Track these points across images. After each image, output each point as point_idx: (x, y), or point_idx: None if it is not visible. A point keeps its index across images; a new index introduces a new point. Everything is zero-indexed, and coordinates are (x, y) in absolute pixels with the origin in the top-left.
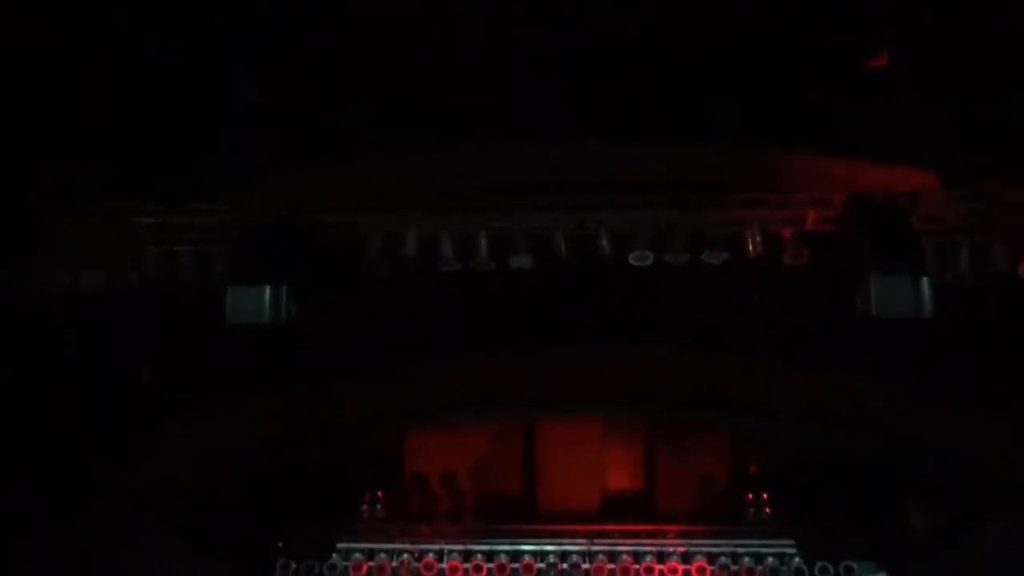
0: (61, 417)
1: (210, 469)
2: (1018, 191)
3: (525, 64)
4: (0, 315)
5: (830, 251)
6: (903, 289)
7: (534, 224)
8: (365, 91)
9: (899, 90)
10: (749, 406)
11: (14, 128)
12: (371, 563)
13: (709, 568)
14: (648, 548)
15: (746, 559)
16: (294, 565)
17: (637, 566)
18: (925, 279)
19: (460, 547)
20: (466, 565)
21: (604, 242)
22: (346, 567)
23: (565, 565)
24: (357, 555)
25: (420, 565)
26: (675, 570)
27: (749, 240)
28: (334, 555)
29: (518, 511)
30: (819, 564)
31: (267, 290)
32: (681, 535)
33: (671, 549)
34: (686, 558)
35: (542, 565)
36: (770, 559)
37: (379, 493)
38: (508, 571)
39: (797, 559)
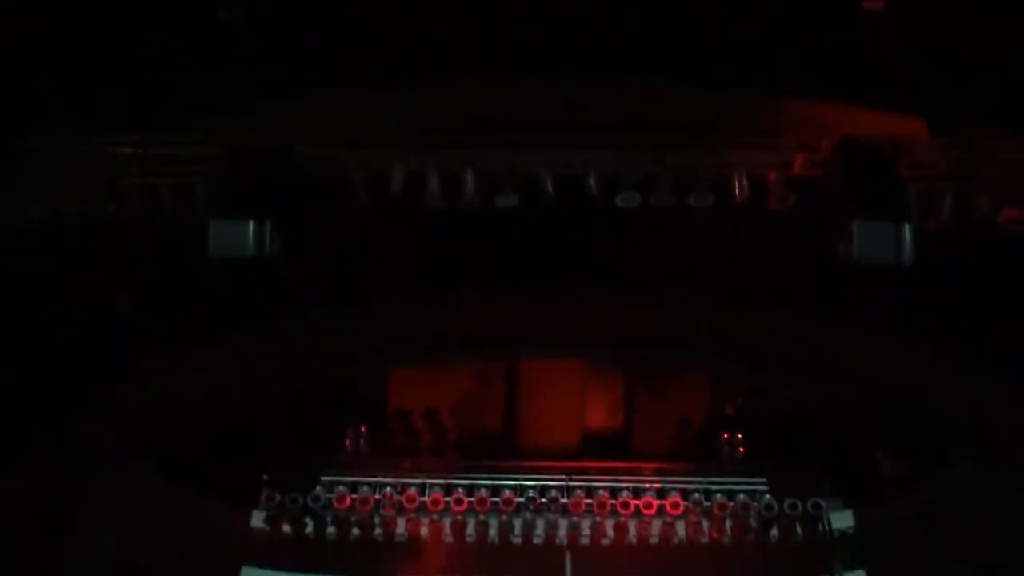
0: (42, 347)
1: (192, 403)
2: (1005, 142)
3: None
4: None
5: (816, 197)
6: (885, 235)
7: (521, 162)
8: (351, 21)
9: (892, 36)
10: (727, 349)
11: None
12: (354, 495)
13: (683, 503)
14: (624, 484)
15: (719, 495)
16: (279, 497)
17: (613, 501)
18: (907, 226)
19: (442, 481)
20: (447, 498)
21: (591, 182)
22: (330, 499)
23: (544, 499)
24: (341, 488)
25: (402, 498)
26: (650, 505)
27: (736, 183)
28: (318, 487)
29: (499, 447)
30: (788, 501)
31: (250, 224)
32: (657, 472)
33: (647, 485)
34: (661, 494)
35: (522, 499)
36: (742, 496)
37: (362, 428)
38: (488, 504)
39: (768, 496)
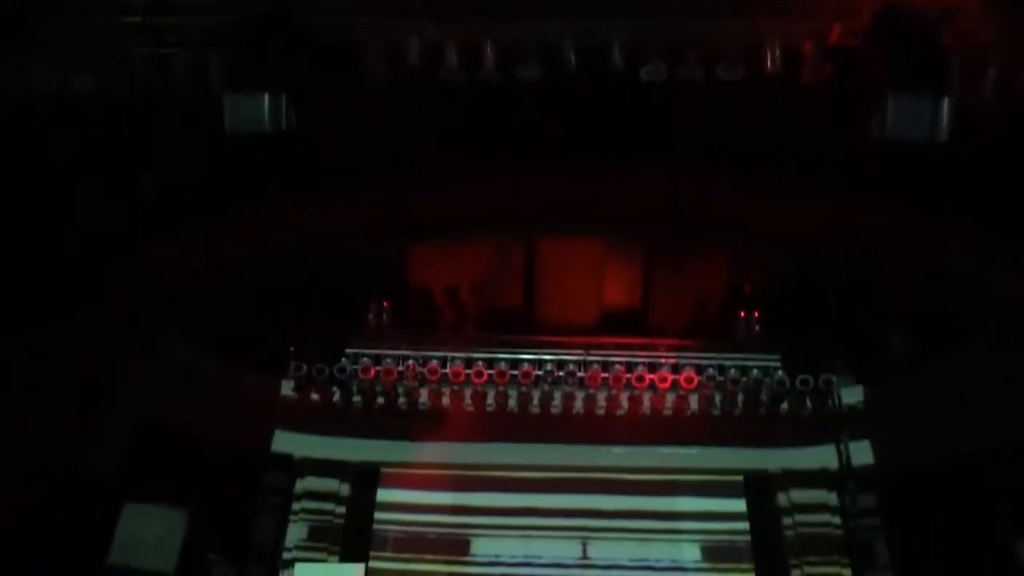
0: (59, 223)
1: (217, 276)
2: None
3: None
4: None
5: (854, 69)
6: (921, 110)
7: (542, 33)
8: None
9: None
10: (749, 227)
11: None
12: (378, 367)
13: (697, 378)
14: (640, 359)
15: (732, 371)
16: (305, 368)
17: (629, 375)
18: (946, 101)
19: (463, 354)
20: (468, 371)
21: (615, 54)
22: (355, 370)
23: (561, 372)
24: (365, 360)
25: (424, 370)
26: (665, 379)
27: (768, 54)
28: (343, 359)
29: (518, 323)
30: (800, 377)
31: (266, 97)
32: (672, 349)
33: (662, 361)
34: (676, 369)
35: (540, 372)
36: (755, 371)
37: (385, 304)
38: (508, 377)
39: (780, 372)
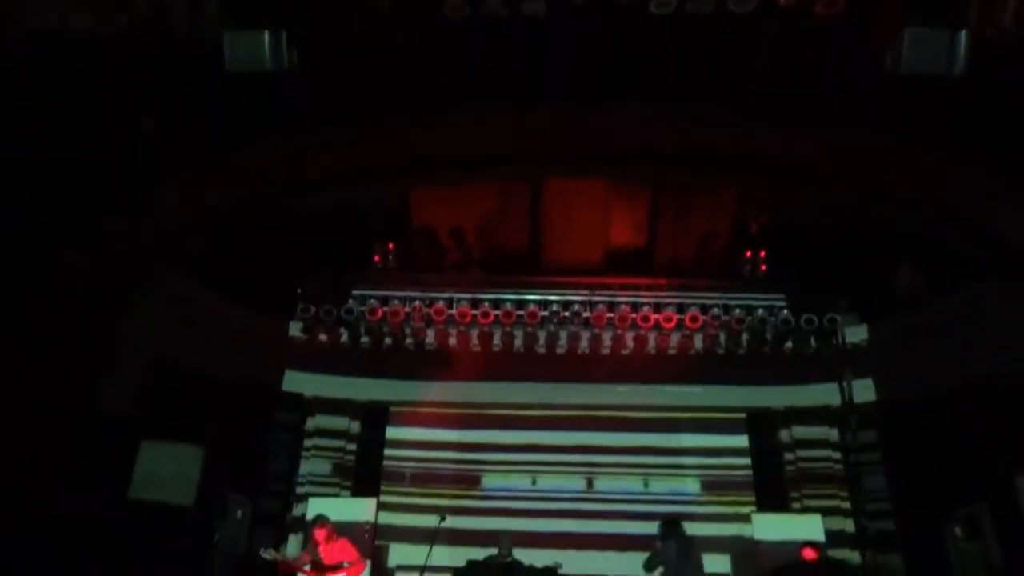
0: (60, 161)
1: (221, 215)
2: None
3: None
4: None
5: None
6: (938, 43)
7: None
8: None
9: None
10: (757, 164)
11: None
12: (385, 308)
13: (702, 318)
14: (645, 299)
15: (737, 310)
16: (313, 309)
17: (634, 315)
18: (963, 33)
19: (468, 295)
20: (474, 312)
21: None
22: (362, 311)
23: (567, 313)
24: (372, 300)
25: (431, 310)
26: (670, 319)
27: None
28: (350, 300)
29: (524, 263)
30: (805, 316)
31: (266, 34)
32: (678, 288)
33: (667, 300)
34: (681, 309)
35: (545, 313)
36: (760, 311)
37: (390, 245)
38: (514, 317)
39: (785, 311)
